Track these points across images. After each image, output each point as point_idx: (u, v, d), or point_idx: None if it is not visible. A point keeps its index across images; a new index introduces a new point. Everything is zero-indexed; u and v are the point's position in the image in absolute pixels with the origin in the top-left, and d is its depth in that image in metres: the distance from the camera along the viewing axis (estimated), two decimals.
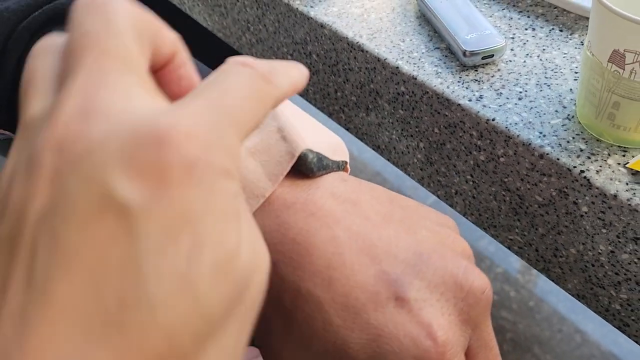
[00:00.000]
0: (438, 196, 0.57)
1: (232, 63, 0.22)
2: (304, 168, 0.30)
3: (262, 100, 0.22)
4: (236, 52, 0.77)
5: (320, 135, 0.33)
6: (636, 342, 0.48)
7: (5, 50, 0.37)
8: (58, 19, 0.37)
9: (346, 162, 0.34)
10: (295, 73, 0.25)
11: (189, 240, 0.18)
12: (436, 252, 0.28)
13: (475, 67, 0.51)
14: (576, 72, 0.49)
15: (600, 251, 0.45)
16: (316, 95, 0.65)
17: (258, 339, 0.30)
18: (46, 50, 0.23)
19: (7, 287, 0.18)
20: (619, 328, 0.48)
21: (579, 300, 0.50)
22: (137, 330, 0.17)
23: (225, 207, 0.19)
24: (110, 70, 0.20)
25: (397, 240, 0.28)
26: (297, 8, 0.59)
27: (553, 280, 0.51)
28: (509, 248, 0.53)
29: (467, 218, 0.56)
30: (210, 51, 0.90)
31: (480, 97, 0.48)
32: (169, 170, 0.18)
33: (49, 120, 0.19)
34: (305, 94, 0.67)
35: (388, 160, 0.61)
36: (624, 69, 0.39)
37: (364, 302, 0.27)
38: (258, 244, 0.21)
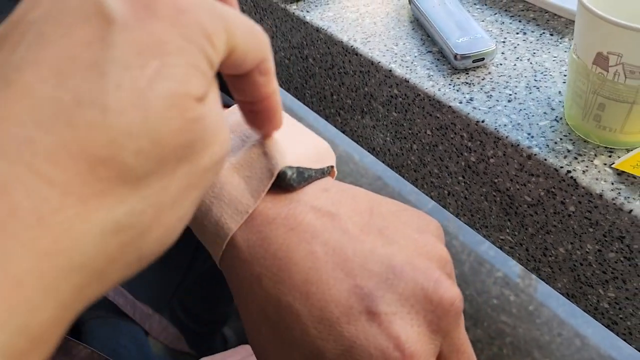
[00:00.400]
0: (432, 197, 0.58)
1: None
2: (284, 184, 0.31)
3: (256, 38, 0.25)
4: None
5: (305, 143, 0.34)
6: (624, 339, 0.48)
7: None
8: None
9: (332, 167, 0.35)
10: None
11: (156, 66, 0.20)
12: (409, 264, 0.29)
13: (466, 70, 0.52)
14: (565, 75, 0.50)
15: (587, 250, 0.46)
16: (313, 99, 0.67)
17: (250, 340, 0.31)
18: None
19: None
20: (607, 326, 0.49)
21: (569, 299, 0.51)
22: (84, 127, 0.18)
23: (197, 60, 0.21)
24: None
25: (372, 254, 0.29)
26: (293, 13, 0.60)
27: (543, 280, 0.52)
28: (500, 248, 0.54)
29: (459, 219, 0.57)
30: None
31: (471, 99, 0.49)
32: (158, 4, 0.20)
33: None
34: (302, 97, 0.68)
35: (383, 162, 0.62)
36: (608, 71, 0.40)
37: (338, 316, 0.28)
38: (222, 123, 0.23)
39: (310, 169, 0.32)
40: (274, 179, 0.31)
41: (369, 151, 0.63)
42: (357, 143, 0.64)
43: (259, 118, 0.30)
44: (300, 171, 0.32)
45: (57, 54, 0.19)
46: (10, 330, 0.17)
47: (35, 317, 0.18)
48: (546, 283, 0.52)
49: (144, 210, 0.20)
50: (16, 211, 0.17)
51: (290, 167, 0.31)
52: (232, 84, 0.29)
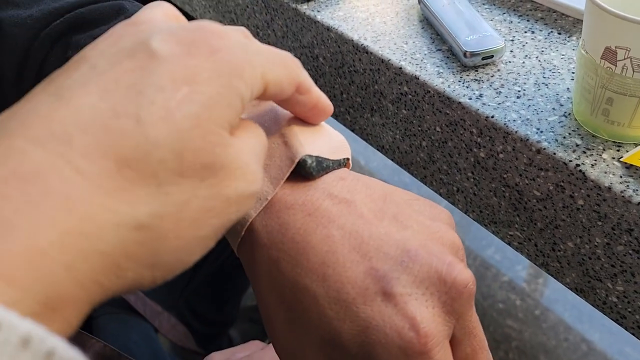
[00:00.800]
0: (440, 194, 0.59)
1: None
2: (303, 172, 0.32)
3: (288, 69, 0.28)
4: None
5: (323, 135, 0.35)
6: (633, 334, 0.49)
7: (29, 54, 0.40)
8: (78, 27, 0.40)
9: (348, 159, 0.36)
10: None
11: (186, 91, 0.23)
12: (423, 248, 0.30)
13: (475, 68, 0.53)
14: (573, 73, 0.51)
15: (596, 244, 0.46)
16: None
17: (266, 328, 0.32)
18: None
19: (42, 89, 0.23)
20: (616, 321, 0.49)
21: (577, 294, 0.51)
22: (117, 132, 0.21)
23: (226, 92, 0.24)
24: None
25: (387, 238, 0.30)
26: (304, 13, 0.61)
27: (552, 275, 0.52)
28: (509, 244, 0.55)
29: (468, 215, 0.57)
30: None
31: (480, 95, 0.50)
32: (195, 45, 0.24)
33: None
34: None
35: (392, 160, 0.63)
36: (616, 65, 0.41)
37: (354, 297, 0.29)
38: (252, 164, 0.26)
39: (328, 159, 0.33)
40: (293, 166, 0.32)
41: (378, 149, 0.64)
42: (366, 141, 0.65)
43: (311, 119, 0.34)
44: (319, 160, 0.33)
45: (104, 78, 0.22)
46: (32, 297, 0.19)
47: (54, 290, 0.19)
48: (555, 278, 0.52)
49: (163, 216, 0.22)
50: (49, 193, 0.19)
51: (310, 156, 0.32)
52: (280, 104, 0.32)
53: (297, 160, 0.31)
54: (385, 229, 0.31)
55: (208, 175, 0.23)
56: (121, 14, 0.40)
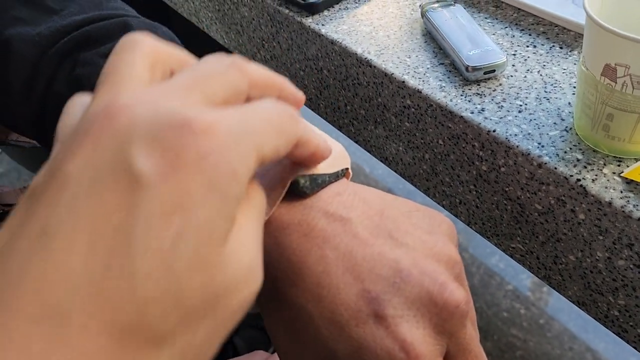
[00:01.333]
0: (443, 206, 0.59)
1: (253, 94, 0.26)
2: (297, 192, 0.32)
3: (285, 134, 0.25)
4: None
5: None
6: (635, 347, 0.49)
7: (37, 71, 0.40)
8: (85, 44, 0.41)
9: (347, 168, 0.36)
10: (322, 142, 0.29)
11: (179, 222, 0.21)
12: (416, 267, 0.30)
13: (477, 82, 0.53)
14: (575, 87, 0.52)
15: (597, 258, 0.47)
16: (327, 109, 0.68)
17: (272, 339, 0.33)
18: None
19: (25, 225, 0.21)
20: (617, 334, 0.50)
21: (579, 307, 0.51)
22: (113, 296, 0.20)
23: (221, 206, 0.22)
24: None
25: (380, 258, 0.30)
26: (309, 26, 0.62)
27: (554, 288, 0.53)
28: (511, 257, 0.55)
29: (471, 227, 0.58)
30: None
31: (482, 109, 0.51)
32: (182, 154, 0.21)
33: (111, 97, 0.23)
34: (316, 108, 0.70)
35: (395, 171, 0.63)
36: (616, 82, 0.41)
37: (347, 319, 0.29)
38: (252, 262, 0.23)
39: (324, 174, 0.33)
40: (286, 188, 0.32)
41: (381, 161, 0.65)
42: (370, 153, 0.65)
43: (309, 164, 0.32)
44: (313, 178, 0.33)
45: (90, 219, 0.20)
46: None
47: None
48: (557, 291, 0.52)
49: None
50: None
51: (303, 176, 0.32)
52: None
53: (289, 182, 0.32)
54: (379, 248, 0.31)
55: (211, 307, 0.22)
56: (126, 31, 0.41)
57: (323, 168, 0.34)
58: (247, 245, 0.24)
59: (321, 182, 0.33)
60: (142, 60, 0.26)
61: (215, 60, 0.26)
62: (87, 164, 0.21)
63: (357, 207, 0.33)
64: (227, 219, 0.22)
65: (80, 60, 0.40)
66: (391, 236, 0.32)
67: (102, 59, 0.40)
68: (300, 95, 0.30)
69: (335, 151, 0.36)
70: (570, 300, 0.52)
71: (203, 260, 0.21)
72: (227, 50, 0.82)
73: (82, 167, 0.21)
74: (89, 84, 0.39)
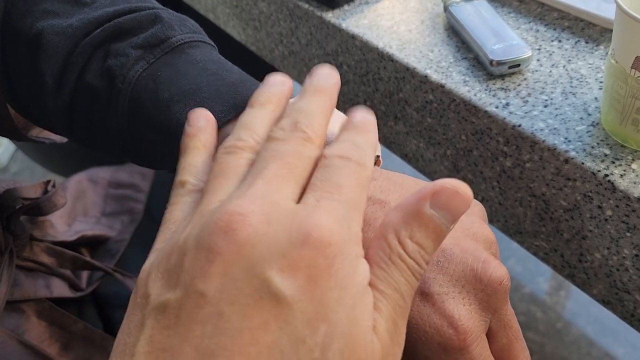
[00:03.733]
0: None
1: (331, 156, 0.27)
2: None
3: (364, 184, 0.27)
4: (269, 65, 0.80)
5: None
6: None
7: (69, 63, 0.40)
8: (116, 36, 0.41)
9: (378, 156, 0.37)
10: (372, 137, 0.30)
11: (323, 330, 0.22)
12: (458, 246, 0.31)
13: (502, 76, 0.52)
14: (601, 82, 0.51)
15: (624, 255, 0.45)
16: (346, 105, 0.67)
17: None
18: (240, 149, 0.29)
19: (181, 351, 0.22)
20: None
21: (605, 306, 0.50)
22: None
23: (356, 300, 0.23)
24: (283, 181, 0.26)
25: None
26: (329, 21, 0.62)
27: (578, 286, 0.52)
28: (535, 255, 0.54)
29: (493, 225, 0.57)
30: (243, 64, 0.93)
31: (507, 104, 0.50)
32: (313, 269, 0.23)
33: (224, 206, 0.24)
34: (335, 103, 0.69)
35: (415, 168, 0.63)
36: None
37: None
38: (393, 350, 0.25)
39: None
40: None
41: (401, 157, 0.64)
42: (390, 149, 0.65)
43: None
44: None
45: (243, 339, 0.22)
46: None
47: None
48: (581, 289, 0.51)
49: None
50: None
51: None
52: None
53: None
54: None
55: None
56: (157, 22, 0.41)
57: (353, 114, 0.34)
58: (383, 338, 0.25)
59: None
60: (245, 159, 0.28)
61: (283, 135, 0.28)
62: (224, 285, 0.23)
63: (393, 191, 0.34)
64: (365, 309, 0.24)
65: (112, 52, 0.40)
66: None
67: (134, 50, 0.40)
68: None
69: None
70: (595, 299, 0.51)
71: (355, 355, 0.23)
72: (244, 47, 0.82)
73: (219, 289, 0.22)
74: (120, 74, 0.39)
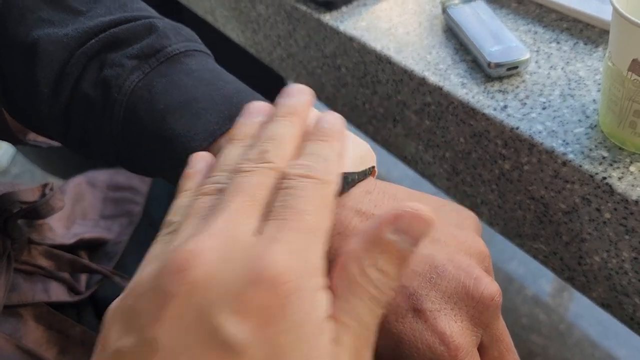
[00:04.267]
0: (464, 206, 0.58)
1: (292, 176, 0.26)
2: None
3: (327, 203, 0.26)
4: (268, 67, 0.80)
5: (348, 147, 0.35)
6: None
7: (64, 72, 0.40)
8: (112, 46, 0.41)
9: (373, 167, 0.37)
10: (337, 145, 0.29)
11: None
12: (451, 262, 0.31)
13: (500, 79, 0.52)
14: (599, 84, 0.50)
15: (623, 258, 0.45)
16: (345, 108, 0.67)
17: None
18: (214, 190, 0.28)
19: None
20: None
21: (604, 309, 0.50)
22: None
23: (312, 340, 0.22)
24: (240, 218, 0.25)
25: (415, 255, 0.31)
26: (327, 23, 0.61)
27: (578, 289, 0.51)
28: (534, 257, 0.54)
29: (492, 228, 0.57)
30: (242, 66, 0.93)
31: (505, 106, 0.49)
32: (266, 310, 0.22)
33: (182, 244, 0.24)
34: (334, 106, 0.69)
35: (415, 171, 0.62)
36: None
37: (387, 314, 0.30)
38: None
39: (353, 172, 0.34)
40: None
41: (400, 160, 0.64)
42: (389, 152, 0.65)
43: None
44: (344, 177, 0.33)
45: None
46: None
47: None
48: (581, 293, 0.51)
49: None
50: None
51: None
52: None
53: None
54: None
55: None
56: (152, 32, 0.41)
57: (352, 167, 0.34)
58: None
59: (351, 181, 0.33)
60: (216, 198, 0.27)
61: (249, 167, 0.28)
62: (176, 331, 0.22)
63: (387, 204, 0.34)
64: (323, 353, 0.23)
65: (107, 62, 0.40)
66: None
67: (129, 60, 0.40)
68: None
69: (363, 150, 0.36)
70: (594, 302, 0.50)
71: None
72: (242, 49, 0.82)
73: (171, 335, 0.22)
74: (116, 85, 0.39)
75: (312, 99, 0.33)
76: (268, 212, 0.26)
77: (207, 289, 0.22)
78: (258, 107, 0.33)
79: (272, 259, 0.22)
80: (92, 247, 0.65)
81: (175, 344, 0.21)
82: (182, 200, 0.30)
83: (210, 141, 0.36)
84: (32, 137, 0.55)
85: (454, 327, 0.30)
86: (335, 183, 0.27)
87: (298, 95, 0.32)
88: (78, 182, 0.72)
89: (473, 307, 0.30)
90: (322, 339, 0.23)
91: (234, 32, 0.82)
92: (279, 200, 0.26)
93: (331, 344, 0.23)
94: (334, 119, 0.31)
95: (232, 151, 0.31)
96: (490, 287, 0.31)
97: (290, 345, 0.22)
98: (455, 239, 0.33)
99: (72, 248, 0.61)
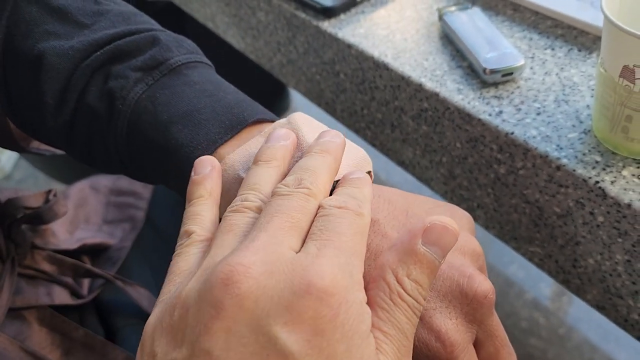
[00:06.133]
0: None
1: (329, 207, 0.28)
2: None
3: (363, 232, 0.28)
4: (268, 73, 0.80)
5: (345, 153, 0.36)
6: None
7: (69, 84, 0.41)
8: (116, 58, 0.42)
9: (370, 172, 0.38)
10: (368, 190, 0.31)
11: None
12: (445, 262, 0.33)
13: (495, 85, 0.53)
14: (593, 90, 0.51)
15: (617, 260, 0.46)
16: (343, 113, 0.68)
17: None
18: (247, 208, 0.30)
19: None
20: (638, 338, 0.49)
21: (599, 311, 0.51)
22: None
23: (362, 349, 0.24)
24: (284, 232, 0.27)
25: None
26: (326, 30, 0.62)
27: (573, 292, 0.52)
28: (530, 260, 0.55)
29: (489, 231, 0.57)
30: (242, 72, 0.94)
31: (500, 112, 0.50)
32: (319, 320, 0.23)
33: (226, 259, 0.25)
34: (333, 112, 0.70)
35: (412, 175, 0.63)
36: (634, 84, 0.41)
37: None
38: None
39: None
40: None
41: (398, 164, 0.64)
42: (387, 157, 0.65)
43: None
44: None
45: None
46: None
47: None
48: (576, 295, 0.52)
49: None
50: None
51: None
52: None
53: None
54: None
55: None
56: (155, 44, 0.42)
57: (348, 172, 0.35)
58: None
59: None
60: (251, 217, 0.29)
61: (287, 191, 0.29)
62: (229, 342, 0.23)
63: (383, 209, 0.35)
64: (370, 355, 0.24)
65: (112, 74, 0.41)
66: None
67: (133, 72, 0.41)
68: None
69: (358, 155, 0.37)
70: (589, 305, 0.51)
71: None
72: (243, 55, 0.83)
73: (225, 346, 0.22)
74: (120, 96, 0.40)
75: (344, 143, 0.34)
76: (307, 235, 0.27)
77: (257, 301, 0.23)
78: (282, 133, 0.35)
79: (320, 271, 0.24)
80: (95, 252, 0.65)
81: (232, 354, 0.22)
82: (200, 208, 0.31)
83: (212, 151, 0.37)
84: (36, 145, 0.56)
85: (449, 325, 0.31)
86: (368, 217, 0.29)
87: (332, 138, 0.33)
88: (81, 187, 0.73)
89: (467, 304, 0.32)
90: (369, 349, 0.24)
91: (234, 38, 0.83)
92: (318, 224, 0.27)
93: (377, 354, 0.24)
94: (360, 172, 0.33)
95: (259, 171, 0.32)
96: (483, 285, 0.32)
97: (342, 355, 0.23)
98: None
99: (75, 253, 0.62)
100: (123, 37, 0.42)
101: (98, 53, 0.41)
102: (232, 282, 0.23)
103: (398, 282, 0.26)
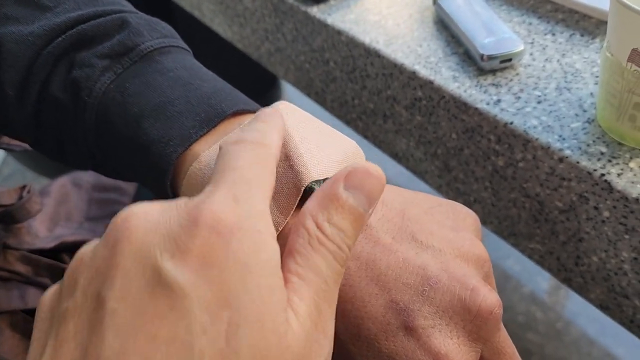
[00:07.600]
0: None
1: (226, 144, 0.26)
2: None
3: (263, 161, 0.25)
4: (255, 62, 0.77)
5: (332, 146, 0.33)
6: None
7: (30, 73, 0.38)
8: (81, 44, 0.38)
9: None
10: (277, 119, 0.28)
11: (226, 316, 0.20)
12: (445, 272, 0.29)
13: (493, 72, 0.50)
14: (597, 77, 0.48)
15: (623, 258, 0.43)
16: (334, 104, 0.65)
17: None
18: None
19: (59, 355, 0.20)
20: None
21: (603, 311, 0.48)
22: None
23: (262, 280, 0.21)
24: None
25: (406, 265, 0.29)
26: (314, 16, 0.59)
27: (575, 291, 0.49)
28: (529, 257, 0.52)
29: (486, 227, 0.55)
30: (230, 61, 0.91)
31: (498, 100, 0.47)
32: (208, 249, 0.21)
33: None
34: (323, 102, 0.67)
35: (406, 168, 0.60)
36: None
37: (376, 332, 0.28)
38: (311, 337, 0.22)
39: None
40: (300, 195, 0.30)
41: (391, 157, 0.62)
42: (379, 149, 0.63)
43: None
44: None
45: (138, 335, 0.20)
46: None
47: None
48: (578, 294, 0.49)
49: None
50: None
51: (317, 181, 0.31)
52: None
53: (302, 189, 0.30)
54: (404, 254, 0.29)
55: None
56: (124, 28, 0.38)
57: (336, 168, 0.32)
58: (304, 322, 0.22)
59: None
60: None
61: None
62: (111, 273, 0.21)
63: (376, 210, 0.32)
64: (277, 296, 0.22)
65: (76, 62, 0.38)
66: (415, 239, 0.30)
67: (100, 60, 0.37)
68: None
69: (349, 149, 0.34)
70: (592, 304, 0.49)
71: (262, 348, 0.20)
72: (230, 44, 0.80)
73: (110, 285, 0.21)
74: (86, 87, 0.37)
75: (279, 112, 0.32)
76: None
77: (146, 234, 0.21)
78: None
79: (210, 202, 0.22)
80: (75, 250, 0.62)
81: (116, 293, 0.21)
82: None
83: (185, 147, 0.34)
84: (6, 140, 0.53)
85: (449, 345, 0.28)
86: (273, 146, 0.27)
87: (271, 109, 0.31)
88: (63, 183, 0.70)
89: (470, 321, 0.28)
90: (274, 282, 0.22)
91: (220, 27, 0.80)
92: (216, 165, 0.26)
93: (283, 289, 0.22)
94: (273, 110, 0.31)
95: None
96: (488, 298, 0.28)
97: (236, 286, 0.21)
98: (450, 244, 0.30)
99: (54, 252, 0.59)
100: (88, 20, 0.38)
101: (60, 39, 0.38)
102: (126, 220, 0.22)
103: (318, 227, 0.24)
